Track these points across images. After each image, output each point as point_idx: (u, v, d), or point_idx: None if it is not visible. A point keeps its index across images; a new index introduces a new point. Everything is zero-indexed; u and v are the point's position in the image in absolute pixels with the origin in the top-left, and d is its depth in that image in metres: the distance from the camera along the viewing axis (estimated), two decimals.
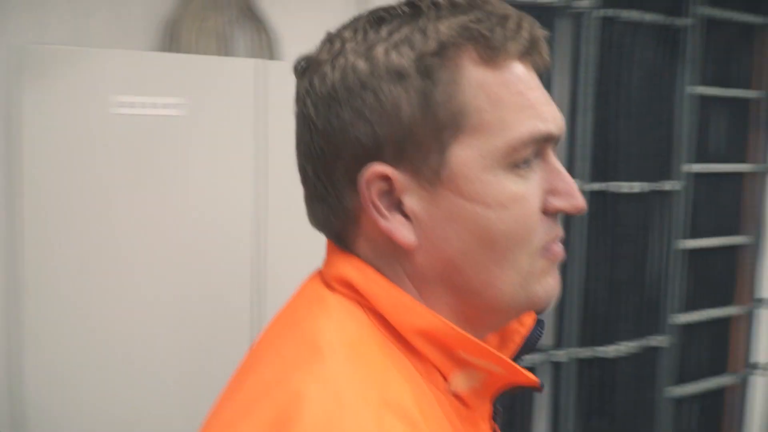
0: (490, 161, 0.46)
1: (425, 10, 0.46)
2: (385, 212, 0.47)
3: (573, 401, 1.98)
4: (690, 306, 2.17)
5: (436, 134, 0.45)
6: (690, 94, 2.04)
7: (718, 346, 2.29)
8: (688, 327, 2.17)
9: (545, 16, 1.82)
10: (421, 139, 0.46)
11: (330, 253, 0.52)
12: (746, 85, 2.20)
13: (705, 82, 2.09)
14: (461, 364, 0.47)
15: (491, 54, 0.46)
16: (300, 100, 0.50)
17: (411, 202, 0.47)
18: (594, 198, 1.93)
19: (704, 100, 2.10)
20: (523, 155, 0.46)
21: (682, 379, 2.17)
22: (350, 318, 0.47)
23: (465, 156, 0.46)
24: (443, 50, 0.45)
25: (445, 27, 0.45)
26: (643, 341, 2.06)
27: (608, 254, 1.99)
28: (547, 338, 1.94)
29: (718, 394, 2.30)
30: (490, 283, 0.47)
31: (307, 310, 0.49)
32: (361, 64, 0.46)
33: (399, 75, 0.45)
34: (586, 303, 1.97)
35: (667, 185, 2.04)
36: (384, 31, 0.47)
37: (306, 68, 0.50)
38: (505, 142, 0.46)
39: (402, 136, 0.46)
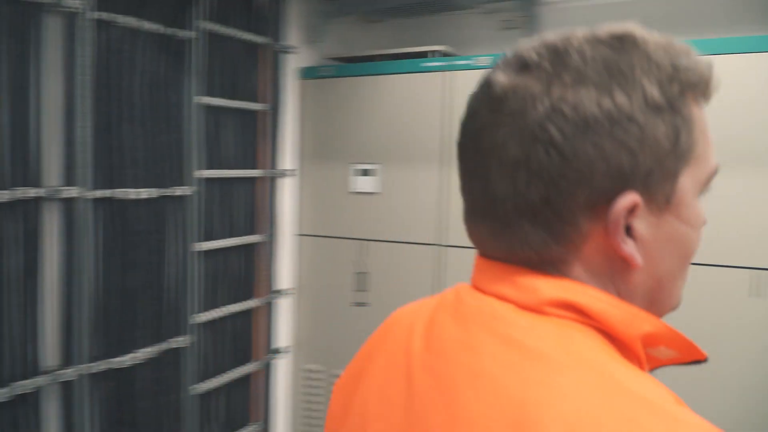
0: (698, 189, 0.53)
1: (641, 44, 0.50)
2: (625, 237, 0.50)
3: (89, 419, 1.89)
4: (212, 304, 2.29)
5: (676, 165, 0.50)
6: (197, 103, 2.15)
7: (243, 338, 2.48)
8: (211, 324, 2.29)
9: (32, 12, 1.68)
10: (667, 169, 0.50)
11: (516, 272, 0.52)
12: (253, 98, 2.42)
13: (214, 93, 2.22)
14: (650, 359, 0.54)
15: (707, 97, 0.53)
16: (535, 119, 0.48)
17: (640, 226, 0.50)
18: (100, 206, 1.87)
19: (215, 109, 2.24)
20: (710, 184, 0.55)
21: (208, 374, 2.29)
22: (589, 338, 0.49)
23: (686, 184, 0.51)
24: (684, 90, 0.50)
25: (685, 69, 0.50)
26: (163, 345, 2.09)
27: (121, 263, 1.96)
28: (52, 358, 1.81)
29: (244, 381, 2.50)
30: (674, 294, 0.56)
31: (526, 338, 0.48)
32: (620, 97, 0.48)
33: (658, 109, 0.49)
34: (98, 316, 1.90)
35: (179, 191, 2.11)
36: (624, 64, 0.49)
37: (526, 88, 0.50)
38: (707, 173, 0.53)
39: (655, 166, 0.49)
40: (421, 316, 0.59)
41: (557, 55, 0.50)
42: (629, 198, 0.49)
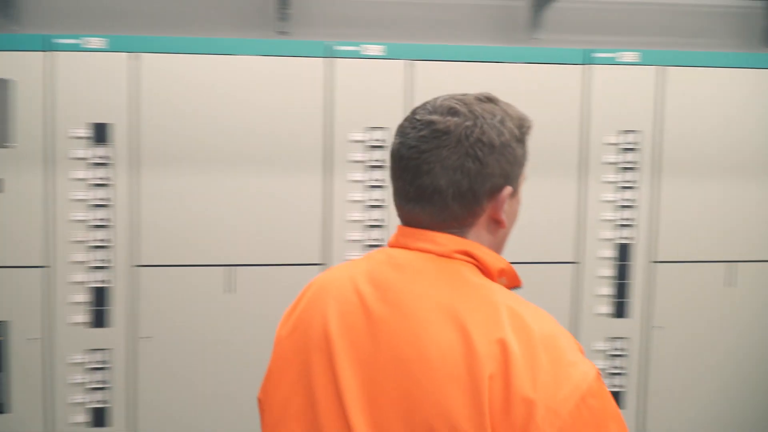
0: (521, 186, 0.92)
1: (500, 102, 0.91)
2: (502, 211, 0.89)
3: None
4: None
5: (521, 172, 0.91)
6: None
7: None
8: None
9: None
10: (519, 174, 0.90)
11: (437, 236, 0.89)
12: None
13: None
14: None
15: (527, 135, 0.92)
16: (467, 143, 0.85)
17: (507, 205, 0.89)
18: None
19: None
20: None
21: None
22: (476, 272, 0.87)
23: (520, 183, 0.92)
24: (524, 129, 0.91)
25: (521, 117, 0.91)
26: None
27: None
28: None
29: None
30: (505, 243, 0.95)
31: (454, 273, 0.86)
32: (506, 132, 0.87)
33: (518, 140, 0.89)
34: None
35: None
36: (498, 110, 0.89)
37: (460, 124, 0.86)
38: (523, 178, 0.92)
39: (517, 172, 0.89)
40: (355, 271, 0.92)
41: (467, 106, 0.87)
42: (508, 189, 0.89)
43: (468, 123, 0.86)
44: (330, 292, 0.92)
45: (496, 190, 0.88)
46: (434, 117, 0.87)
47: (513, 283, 0.92)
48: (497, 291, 0.85)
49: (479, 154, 0.86)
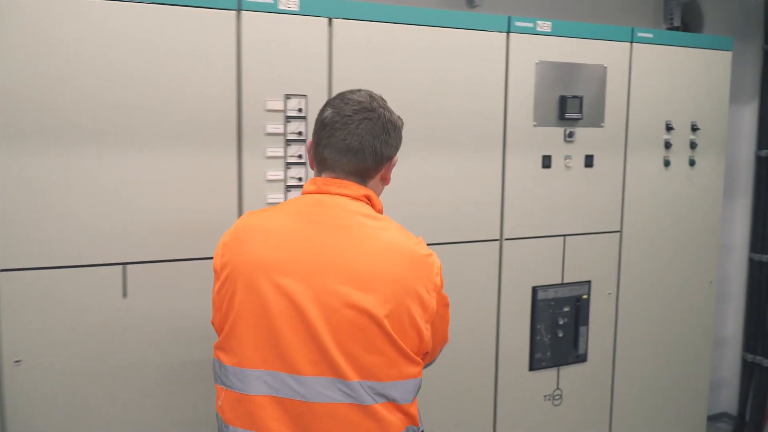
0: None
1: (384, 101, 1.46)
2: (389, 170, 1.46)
3: None
4: None
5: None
6: None
7: None
8: None
9: None
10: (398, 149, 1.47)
11: (350, 184, 1.38)
12: None
13: None
14: None
15: None
16: (384, 120, 1.39)
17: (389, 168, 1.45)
18: None
19: None
20: None
21: None
22: (371, 209, 1.40)
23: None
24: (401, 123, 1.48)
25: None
26: None
27: None
28: None
29: None
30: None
31: (364, 207, 1.38)
32: (400, 122, 1.45)
33: (401, 125, 1.46)
34: None
35: None
36: (390, 108, 1.44)
37: (379, 108, 1.40)
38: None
39: (400, 147, 1.47)
40: (287, 210, 1.39)
41: (377, 101, 1.41)
42: (395, 158, 1.46)
43: (382, 110, 1.40)
44: (261, 225, 1.36)
45: (391, 157, 1.44)
46: (362, 99, 1.39)
47: None
48: (387, 218, 1.39)
49: (390, 129, 1.40)
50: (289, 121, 2.03)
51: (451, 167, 2.25)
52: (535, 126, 2.38)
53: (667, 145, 2.64)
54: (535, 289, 2.47)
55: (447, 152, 2.24)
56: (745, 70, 3.35)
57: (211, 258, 1.41)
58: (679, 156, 2.68)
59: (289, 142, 2.04)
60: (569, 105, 2.41)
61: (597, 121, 2.49)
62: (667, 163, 2.65)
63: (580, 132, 2.47)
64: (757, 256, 3.45)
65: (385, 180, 1.45)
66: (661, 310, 2.75)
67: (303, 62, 2.03)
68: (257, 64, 1.96)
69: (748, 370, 3.57)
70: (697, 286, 2.82)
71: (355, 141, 1.34)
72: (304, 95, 2.04)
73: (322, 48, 2.05)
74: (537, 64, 2.36)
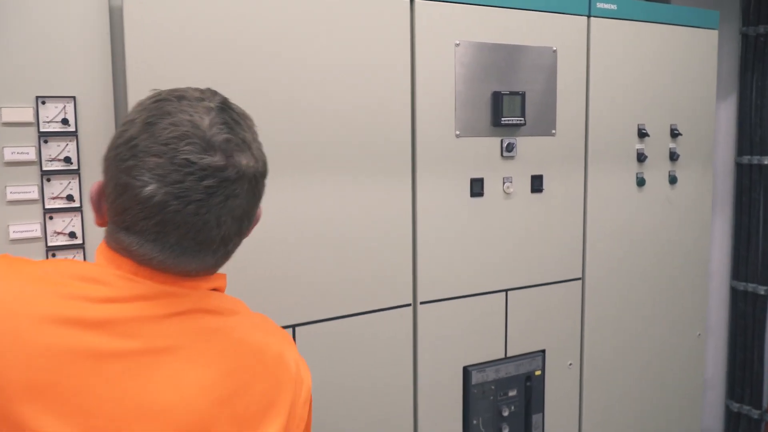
0: None
1: (232, 106, 0.82)
2: None
3: None
4: None
5: None
6: None
7: None
8: None
9: None
10: None
11: (207, 279, 0.83)
12: None
13: None
14: None
15: None
16: (255, 184, 0.81)
17: None
18: None
19: None
20: None
21: None
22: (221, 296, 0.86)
23: None
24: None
25: None
26: None
27: None
28: None
29: None
30: None
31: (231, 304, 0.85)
32: (260, 144, 0.84)
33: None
34: None
35: None
36: (243, 119, 0.82)
37: (249, 166, 0.79)
38: None
39: None
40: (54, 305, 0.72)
41: (235, 132, 0.79)
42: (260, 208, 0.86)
43: (251, 162, 0.79)
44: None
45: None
46: (217, 159, 0.75)
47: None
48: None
49: (261, 188, 0.83)
50: (45, 141, 1.22)
51: (332, 198, 1.48)
52: (458, 136, 1.63)
53: (641, 158, 1.93)
54: (467, 370, 1.71)
55: (324, 177, 1.46)
56: (720, 59, 2.69)
57: None
58: (656, 171, 1.98)
59: (47, 175, 1.22)
60: (506, 105, 1.67)
61: (546, 127, 1.76)
62: (641, 182, 1.95)
63: (523, 144, 1.73)
64: (741, 285, 2.80)
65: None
66: (637, 381, 2.04)
67: (66, 42, 1.21)
68: None
69: (733, 420, 2.94)
70: (682, 343, 2.13)
71: (214, 234, 0.78)
72: (71, 97, 1.23)
73: (101, 16, 1.24)
74: (457, 45, 1.61)
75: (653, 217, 1.99)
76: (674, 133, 1.99)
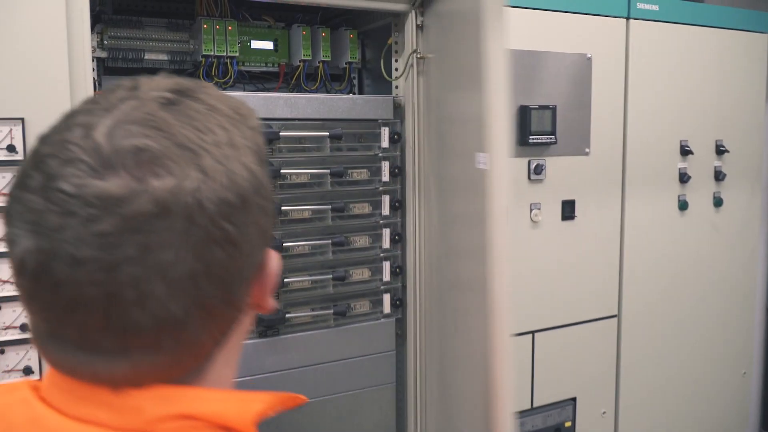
0: None
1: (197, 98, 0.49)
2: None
3: None
4: None
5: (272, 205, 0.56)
6: None
7: None
8: None
9: None
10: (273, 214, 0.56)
11: (138, 396, 0.47)
12: None
13: None
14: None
15: None
16: (205, 219, 0.44)
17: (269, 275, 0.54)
18: None
19: None
20: None
21: None
22: None
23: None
24: (255, 136, 0.52)
25: None
26: None
27: None
28: None
29: None
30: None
31: None
32: (245, 156, 0.48)
33: (261, 162, 0.50)
34: None
35: None
36: (212, 118, 0.47)
37: (178, 190, 0.44)
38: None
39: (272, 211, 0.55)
40: None
41: (165, 135, 0.46)
42: (271, 253, 0.50)
43: (189, 183, 0.43)
44: None
45: (260, 268, 0.49)
46: (113, 184, 0.42)
47: (287, 407, 0.52)
48: None
49: (227, 227, 0.44)
50: None
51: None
52: None
53: (683, 178, 1.71)
54: None
55: None
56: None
57: None
58: (700, 193, 1.76)
59: None
60: (535, 121, 1.45)
61: (579, 146, 1.54)
62: (683, 206, 1.73)
63: (552, 164, 1.51)
64: None
65: (262, 307, 0.54)
66: (678, 427, 1.82)
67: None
68: None
69: None
70: (727, 381, 1.91)
71: (135, 318, 0.44)
72: (20, 119, 1.02)
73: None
74: None
75: (696, 244, 1.77)
76: (720, 150, 1.77)
